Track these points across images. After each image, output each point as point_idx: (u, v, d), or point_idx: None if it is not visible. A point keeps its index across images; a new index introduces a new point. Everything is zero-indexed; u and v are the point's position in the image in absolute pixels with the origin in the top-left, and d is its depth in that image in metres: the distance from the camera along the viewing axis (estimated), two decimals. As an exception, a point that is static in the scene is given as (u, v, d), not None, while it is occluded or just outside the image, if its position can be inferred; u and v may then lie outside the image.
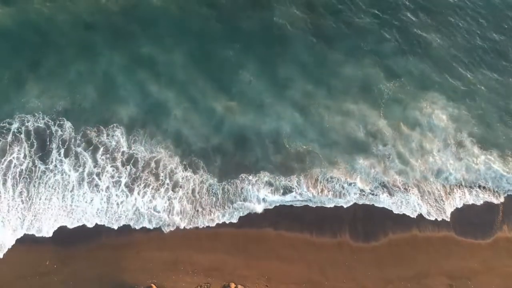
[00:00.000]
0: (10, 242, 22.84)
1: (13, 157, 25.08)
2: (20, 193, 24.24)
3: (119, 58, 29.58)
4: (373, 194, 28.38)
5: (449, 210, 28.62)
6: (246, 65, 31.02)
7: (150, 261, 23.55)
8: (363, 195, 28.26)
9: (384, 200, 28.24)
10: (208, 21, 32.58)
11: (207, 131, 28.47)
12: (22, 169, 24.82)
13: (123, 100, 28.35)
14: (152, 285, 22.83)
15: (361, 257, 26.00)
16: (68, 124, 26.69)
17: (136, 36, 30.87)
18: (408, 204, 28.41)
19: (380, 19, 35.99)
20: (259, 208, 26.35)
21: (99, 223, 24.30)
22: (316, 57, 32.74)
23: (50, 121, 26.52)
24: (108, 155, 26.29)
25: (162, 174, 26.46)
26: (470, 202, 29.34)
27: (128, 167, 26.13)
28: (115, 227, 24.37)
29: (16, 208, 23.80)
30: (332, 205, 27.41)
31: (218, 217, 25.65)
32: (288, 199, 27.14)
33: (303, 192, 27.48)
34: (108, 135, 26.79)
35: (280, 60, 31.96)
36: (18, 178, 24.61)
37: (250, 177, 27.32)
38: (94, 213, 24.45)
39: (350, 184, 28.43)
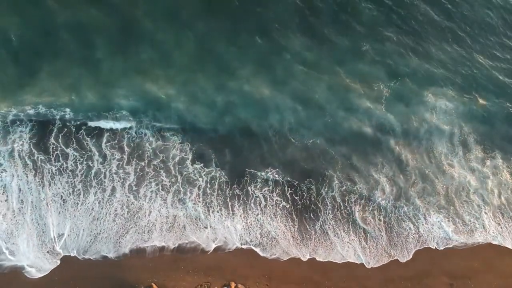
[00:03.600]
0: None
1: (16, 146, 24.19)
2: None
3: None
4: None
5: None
6: (245, 62, 30.22)
7: (151, 260, 23.44)
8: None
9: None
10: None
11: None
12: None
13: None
14: (153, 284, 22.79)
15: (362, 256, 26.00)
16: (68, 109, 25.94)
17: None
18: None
19: (381, 17, 35.13)
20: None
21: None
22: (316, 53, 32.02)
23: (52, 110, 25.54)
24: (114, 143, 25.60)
25: (171, 168, 25.71)
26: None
27: (134, 162, 25.42)
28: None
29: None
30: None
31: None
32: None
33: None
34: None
35: (280, 56, 31.24)
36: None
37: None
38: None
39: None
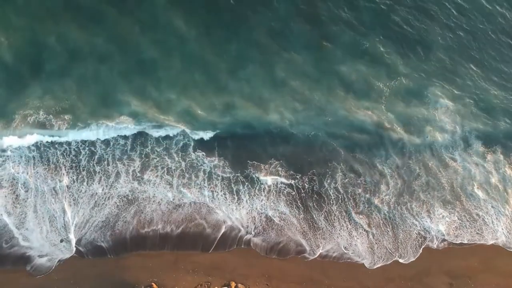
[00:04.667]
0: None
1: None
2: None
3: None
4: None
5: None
6: (245, 61, 29.61)
7: (151, 260, 23.42)
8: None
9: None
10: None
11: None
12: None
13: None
14: (153, 284, 22.84)
15: (362, 256, 25.96)
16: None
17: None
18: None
19: (381, 16, 34.43)
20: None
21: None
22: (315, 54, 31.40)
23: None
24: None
25: (174, 155, 25.99)
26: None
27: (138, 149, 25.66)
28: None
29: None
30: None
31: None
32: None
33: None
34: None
35: (279, 56, 30.55)
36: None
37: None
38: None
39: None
